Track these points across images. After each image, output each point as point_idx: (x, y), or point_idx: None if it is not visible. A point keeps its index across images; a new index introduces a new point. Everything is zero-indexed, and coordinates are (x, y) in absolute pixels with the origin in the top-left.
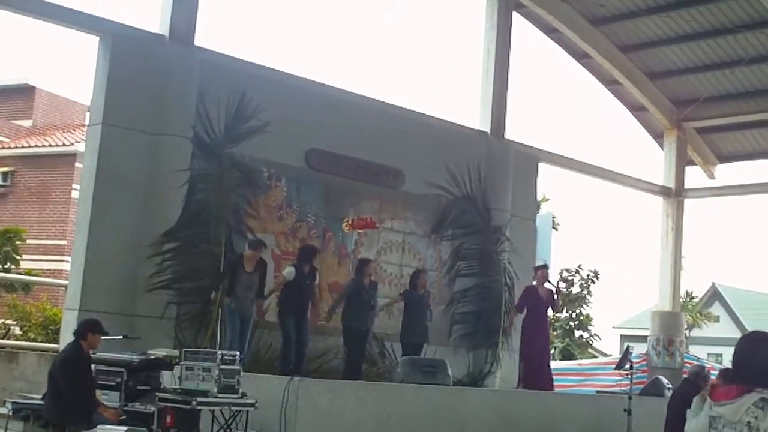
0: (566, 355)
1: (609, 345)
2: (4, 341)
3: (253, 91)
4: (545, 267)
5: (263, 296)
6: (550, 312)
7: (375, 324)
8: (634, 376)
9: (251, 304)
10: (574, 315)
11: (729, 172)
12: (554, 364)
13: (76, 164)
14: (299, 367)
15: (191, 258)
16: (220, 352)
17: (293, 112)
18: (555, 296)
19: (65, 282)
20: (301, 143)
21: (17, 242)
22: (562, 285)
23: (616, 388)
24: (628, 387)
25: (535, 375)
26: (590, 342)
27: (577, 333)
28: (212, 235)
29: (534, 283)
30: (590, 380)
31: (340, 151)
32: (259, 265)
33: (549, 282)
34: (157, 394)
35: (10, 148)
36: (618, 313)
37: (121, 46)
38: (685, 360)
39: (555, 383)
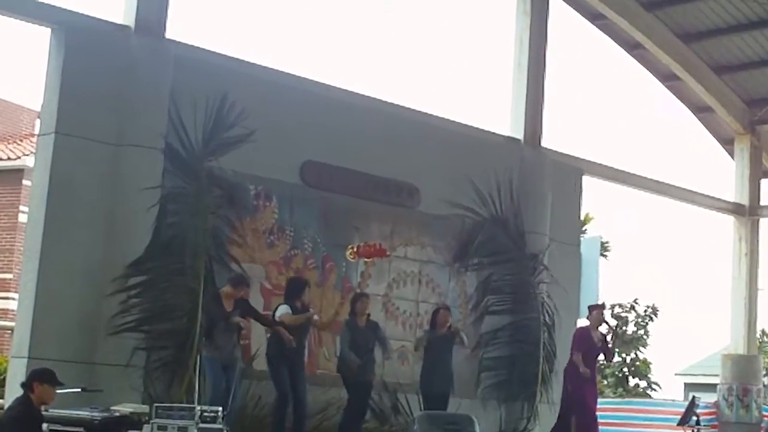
0: None
1: (671, 395)
2: None
3: (236, 92)
4: (602, 306)
5: (273, 323)
6: (601, 358)
7: (376, 372)
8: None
9: (234, 349)
10: (628, 360)
11: None
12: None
13: (24, 181)
14: (299, 428)
15: (163, 294)
16: (198, 407)
17: (285, 117)
18: (610, 341)
19: (11, 324)
20: (295, 155)
21: None
22: (617, 326)
23: None
24: None
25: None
26: (648, 392)
27: (632, 381)
28: (188, 267)
29: (586, 323)
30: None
31: (342, 163)
32: (238, 304)
33: (606, 323)
34: None
35: None
36: (682, 357)
37: (78, 39)
38: (764, 413)
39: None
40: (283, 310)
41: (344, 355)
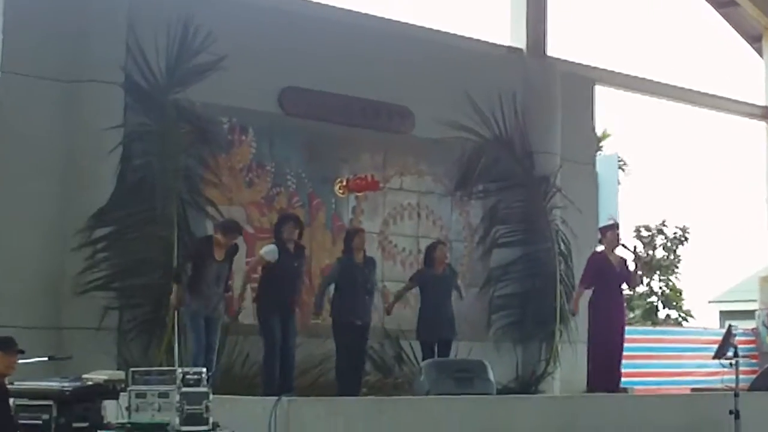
0: None
1: (705, 325)
2: None
3: (201, 14)
4: (615, 226)
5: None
6: (625, 287)
7: (376, 316)
8: (740, 363)
9: (219, 302)
10: (657, 288)
11: None
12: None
13: None
14: (288, 383)
15: (133, 246)
16: (180, 370)
17: (258, 39)
18: (632, 265)
19: None
20: (272, 81)
21: None
22: (640, 249)
23: (715, 379)
24: (734, 380)
25: (601, 373)
26: (680, 322)
27: (663, 312)
28: (159, 214)
29: (601, 248)
30: (672, 360)
31: (326, 87)
32: (229, 252)
33: (623, 246)
34: None
35: None
36: (715, 282)
37: None
38: None
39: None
40: (266, 248)
41: (318, 295)
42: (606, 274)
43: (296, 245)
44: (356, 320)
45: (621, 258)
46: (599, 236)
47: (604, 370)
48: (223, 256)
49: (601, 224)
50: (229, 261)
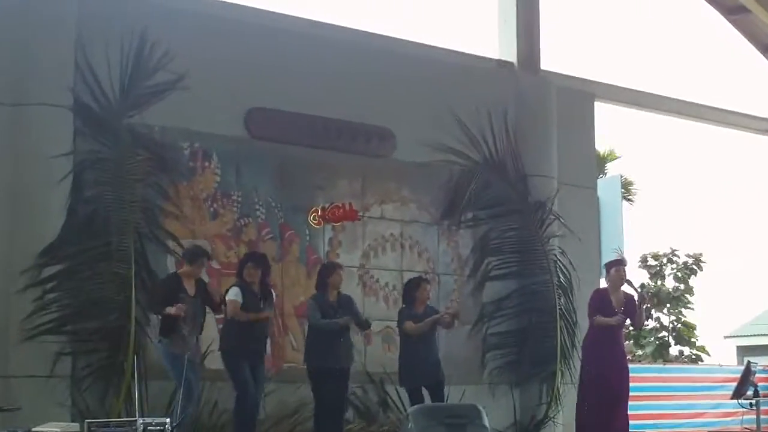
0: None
1: (721, 362)
2: None
3: (158, 28)
4: (621, 262)
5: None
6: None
7: (357, 359)
8: (762, 403)
9: (197, 342)
10: (668, 323)
11: None
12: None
13: None
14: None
15: (86, 285)
16: (141, 420)
17: (222, 55)
18: (638, 304)
19: None
20: (238, 102)
21: None
22: (647, 285)
23: (734, 420)
24: (754, 421)
25: (603, 419)
26: (694, 360)
27: (674, 349)
28: (115, 249)
29: (605, 284)
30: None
31: (297, 108)
32: (199, 286)
33: (628, 283)
34: None
35: None
36: (732, 315)
37: None
38: None
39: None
40: (231, 292)
41: (316, 323)
42: (606, 314)
43: (262, 286)
44: (333, 365)
45: (626, 296)
46: (604, 272)
47: (607, 417)
48: (194, 290)
49: (605, 257)
50: (200, 296)
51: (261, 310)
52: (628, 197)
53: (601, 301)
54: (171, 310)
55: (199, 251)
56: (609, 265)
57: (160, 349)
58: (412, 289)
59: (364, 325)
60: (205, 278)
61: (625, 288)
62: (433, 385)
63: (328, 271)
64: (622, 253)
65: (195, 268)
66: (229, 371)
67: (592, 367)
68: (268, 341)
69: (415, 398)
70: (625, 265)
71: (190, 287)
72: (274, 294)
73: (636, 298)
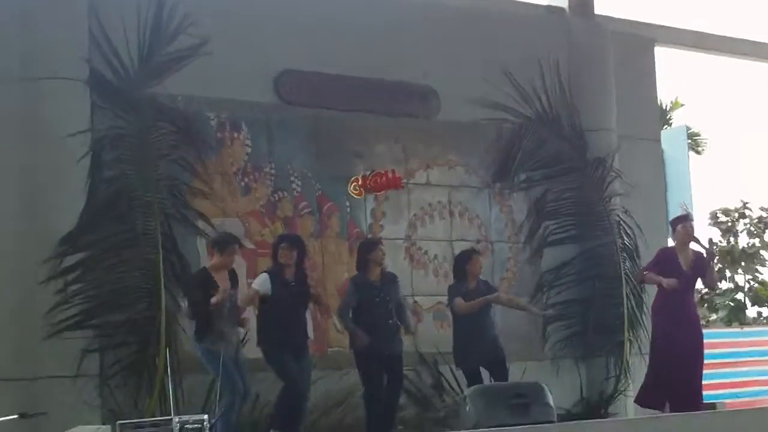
0: None
1: None
2: None
3: None
4: (687, 218)
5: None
6: (698, 286)
7: (406, 340)
8: None
9: (232, 336)
10: (743, 282)
11: None
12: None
13: None
14: (298, 425)
15: (111, 274)
16: (177, 419)
17: (247, 15)
18: (707, 263)
19: None
20: (267, 65)
21: None
22: (717, 242)
23: None
24: None
25: (677, 388)
26: None
27: (751, 310)
28: (140, 233)
29: (672, 243)
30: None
31: (330, 69)
32: (233, 278)
33: (696, 241)
34: None
35: None
36: None
37: None
38: None
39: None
40: (258, 279)
41: (347, 325)
42: (674, 274)
43: (297, 272)
44: (381, 350)
45: (695, 255)
46: (670, 229)
47: (681, 385)
48: (227, 282)
49: (673, 215)
50: (235, 290)
51: (295, 300)
52: (696, 149)
53: (666, 260)
54: (213, 300)
55: (228, 238)
56: (675, 222)
57: (198, 350)
58: (462, 262)
59: (407, 322)
60: (241, 263)
61: (694, 246)
62: (493, 363)
63: (368, 248)
64: (688, 207)
65: (225, 258)
66: (273, 368)
67: (662, 332)
68: (310, 327)
69: (474, 379)
70: (692, 221)
71: (222, 281)
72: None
73: (706, 255)
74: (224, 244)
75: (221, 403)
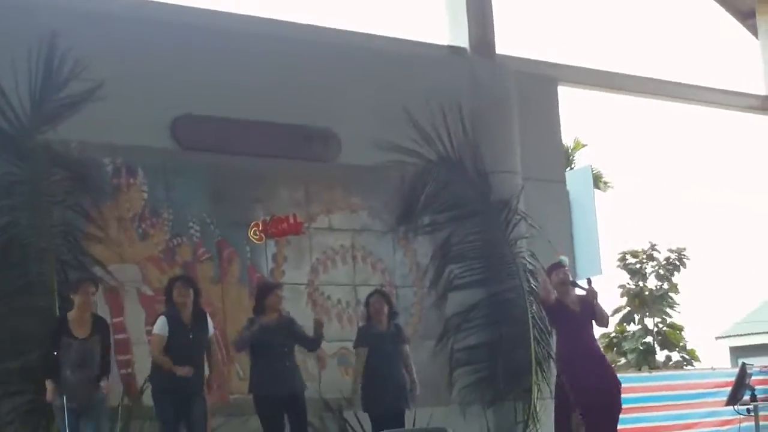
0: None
1: (714, 366)
2: None
3: (69, 34)
4: (560, 265)
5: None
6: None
7: (310, 386)
8: (760, 408)
9: (91, 389)
10: (652, 326)
11: None
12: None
13: None
14: None
15: (5, 322)
16: None
17: (142, 59)
18: (591, 302)
19: None
20: (163, 109)
21: None
22: (626, 284)
23: (731, 429)
24: (753, 428)
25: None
26: (683, 365)
27: (661, 354)
28: (35, 280)
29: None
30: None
31: (229, 113)
32: (97, 325)
33: (573, 284)
34: None
35: None
36: (722, 314)
37: None
38: None
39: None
40: (157, 323)
41: (237, 341)
42: (567, 321)
43: (195, 310)
44: (280, 391)
45: (579, 298)
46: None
47: None
48: (86, 331)
49: (581, 254)
50: (98, 336)
51: (191, 340)
52: (600, 188)
53: (558, 311)
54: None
55: (69, 285)
56: (549, 271)
57: None
58: (372, 303)
59: (311, 344)
60: (139, 311)
61: (578, 291)
62: (396, 412)
63: (263, 292)
64: (561, 255)
65: (80, 299)
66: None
67: (573, 375)
68: (207, 371)
69: (379, 425)
70: (566, 266)
71: (80, 328)
72: (209, 320)
73: (587, 295)
74: (76, 284)
75: None
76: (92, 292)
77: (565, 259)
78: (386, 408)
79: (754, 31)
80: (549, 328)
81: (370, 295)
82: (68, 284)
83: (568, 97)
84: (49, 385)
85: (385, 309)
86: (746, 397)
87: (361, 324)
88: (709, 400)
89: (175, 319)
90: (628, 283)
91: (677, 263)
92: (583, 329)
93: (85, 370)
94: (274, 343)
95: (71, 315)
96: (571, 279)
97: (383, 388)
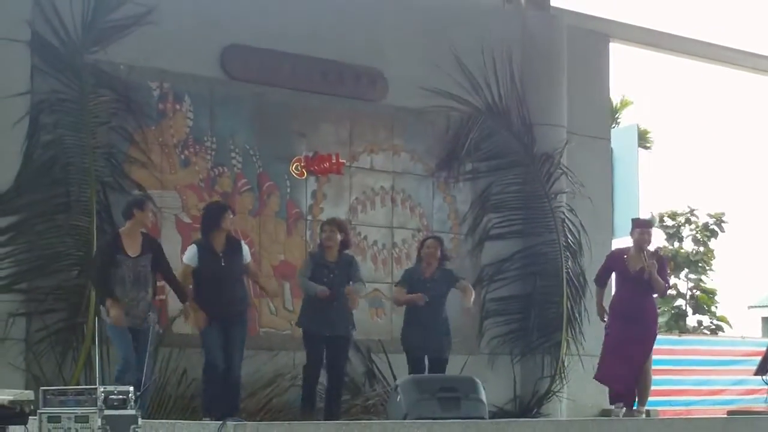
0: None
1: (744, 334)
2: None
3: None
4: (649, 224)
5: (184, 299)
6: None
7: (353, 327)
8: None
9: (147, 309)
10: (685, 290)
11: None
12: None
13: None
14: (232, 404)
15: (43, 239)
16: (102, 388)
17: None
18: (659, 268)
19: None
20: (213, 38)
21: None
22: (663, 245)
23: (757, 399)
24: None
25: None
26: (714, 331)
27: (692, 318)
28: (75, 200)
29: (626, 245)
30: (704, 375)
31: (278, 46)
32: (147, 243)
33: (645, 255)
34: None
35: None
36: (757, 283)
37: None
38: None
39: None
40: (185, 258)
41: (305, 286)
42: (624, 277)
43: (228, 240)
44: (324, 332)
45: (646, 258)
46: (630, 228)
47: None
48: (137, 249)
49: (618, 215)
50: (151, 254)
51: (224, 268)
52: (645, 146)
53: (615, 262)
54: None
55: (133, 201)
56: (636, 223)
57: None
58: (420, 246)
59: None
60: (176, 237)
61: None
62: (438, 358)
63: (328, 227)
64: (655, 217)
65: (132, 224)
66: (200, 337)
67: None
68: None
69: (417, 368)
70: (650, 227)
71: (132, 247)
72: (245, 247)
73: (655, 262)
74: (133, 206)
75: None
76: (148, 214)
77: (655, 219)
78: (428, 352)
79: None
80: (585, 284)
81: (426, 238)
82: (127, 203)
83: (618, 54)
84: (111, 304)
85: (438, 254)
86: None
87: (408, 268)
88: (738, 368)
89: (206, 248)
90: (665, 245)
91: (715, 229)
92: (640, 291)
93: (139, 289)
94: (331, 282)
95: (123, 232)
96: (649, 242)
97: (423, 333)
